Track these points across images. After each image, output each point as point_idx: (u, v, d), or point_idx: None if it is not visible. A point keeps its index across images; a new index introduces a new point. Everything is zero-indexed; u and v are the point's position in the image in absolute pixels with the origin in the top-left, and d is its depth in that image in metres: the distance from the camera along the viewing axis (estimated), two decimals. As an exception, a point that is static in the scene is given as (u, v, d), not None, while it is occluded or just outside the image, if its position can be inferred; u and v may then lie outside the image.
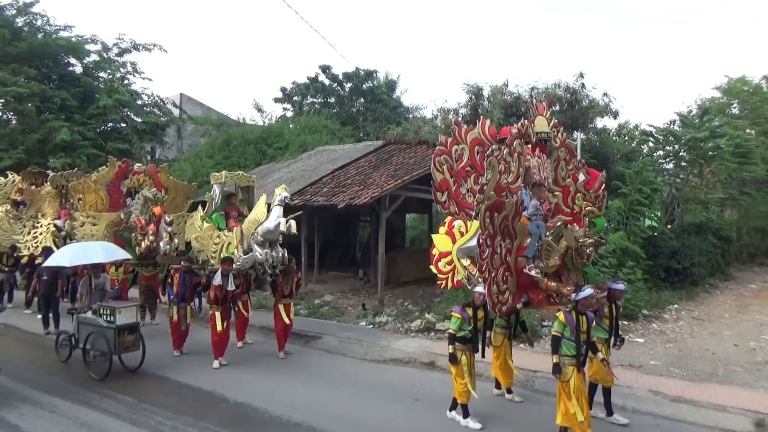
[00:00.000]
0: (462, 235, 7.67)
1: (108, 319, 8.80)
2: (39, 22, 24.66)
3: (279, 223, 9.72)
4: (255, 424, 7.15)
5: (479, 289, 6.88)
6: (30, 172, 17.38)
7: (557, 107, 18.83)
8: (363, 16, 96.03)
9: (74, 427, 6.81)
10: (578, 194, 6.93)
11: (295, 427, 6.98)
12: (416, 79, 67.33)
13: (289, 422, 7.11)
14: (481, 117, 7.34)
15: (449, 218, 7.82)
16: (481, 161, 7.10)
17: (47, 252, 12.78)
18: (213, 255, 10.68)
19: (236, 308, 10.26)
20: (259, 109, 31.75)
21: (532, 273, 6.70)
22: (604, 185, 7.07)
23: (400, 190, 14.21)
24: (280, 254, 10.08)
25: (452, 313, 7.16)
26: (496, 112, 19.05)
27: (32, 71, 22.77)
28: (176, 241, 12.09)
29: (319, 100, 30.88)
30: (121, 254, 10.13)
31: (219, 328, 9.49)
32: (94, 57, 25.69)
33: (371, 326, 12.51)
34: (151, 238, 11.91)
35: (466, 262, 7.50)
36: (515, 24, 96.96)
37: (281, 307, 10.20)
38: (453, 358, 6.93)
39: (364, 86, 30.30)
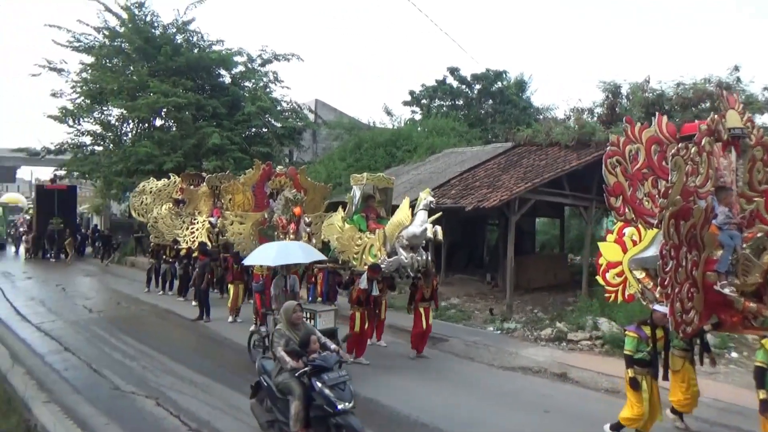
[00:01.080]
0: (635, 244, 7.11)
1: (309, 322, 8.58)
2: (194, 39, 27.33)
3: (425, 228, 9.84)
4: (383, 420, 7.29)
5: (659, 307, 6.24)
6: (189, 174, 19.45)
7: (707, 104, 17.19)
8: (493, 16, 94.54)
9: (224, 407, 7.41)
10: None
11: (422, 428, 7.02)
12: (547, 79, 65.02)
13: (417, 422, 7.17)
14: (656, 114, 6.62)
15: (617, 225, 7.27)
16: (659, 162, 6.33)
17: (203, 246, 14.19)
18: (355, 256, 11.00)
19: (377, 310, 10.37)
20: (389, 113, 32.43)
21: (725, 291, 5.93)
22: None
23: (530, 194, 13.77)
24: (424, 257, 10.19)
25: (626, 333, 6.59)
26: (635, 111, 17.78)
27: (189, 83, 25.25)
28: (314, 240, 12.62)
29: (447, 102, 30.98)
30: (318, 255, 10.15)
31: (357, 328, 9.67)
32: (240, 68, 27.89)
33: (499, 332, 12.28)
34: (291, 236, 12.52)
35: (641, 274, 6.93)
36: (653, 21, 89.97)
37: (422, 311, 10.21)
38: (635, 384, 6.30)
39: (493, 87, 29.89)
